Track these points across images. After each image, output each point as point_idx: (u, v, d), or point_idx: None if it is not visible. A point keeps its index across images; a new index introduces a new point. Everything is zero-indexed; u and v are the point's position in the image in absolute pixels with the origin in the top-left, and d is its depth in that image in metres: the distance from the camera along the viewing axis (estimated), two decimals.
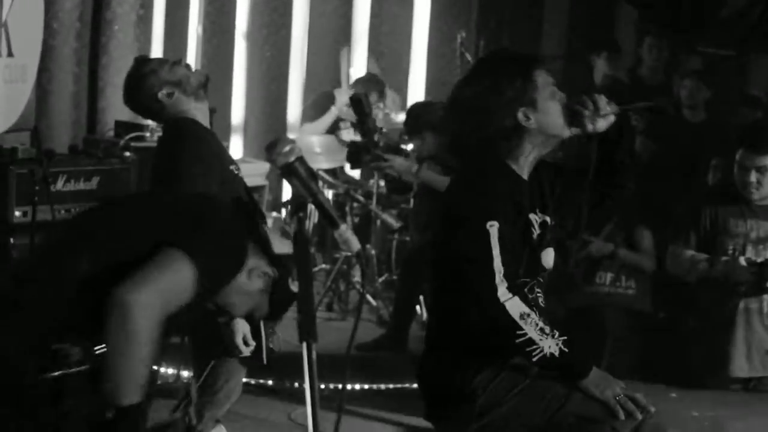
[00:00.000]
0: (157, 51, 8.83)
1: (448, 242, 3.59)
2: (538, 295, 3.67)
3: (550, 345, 3.47)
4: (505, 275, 3.46)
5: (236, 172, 4.63)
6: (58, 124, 7.84)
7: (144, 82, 4.63)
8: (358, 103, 7.14)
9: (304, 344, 2.53)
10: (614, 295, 7.19)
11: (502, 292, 3.45)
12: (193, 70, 4.70)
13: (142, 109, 4.72)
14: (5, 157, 6.06)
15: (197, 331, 4.67)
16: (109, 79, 8.26)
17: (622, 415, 3.48)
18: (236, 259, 3.10)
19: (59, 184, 6.20)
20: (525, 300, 3.51)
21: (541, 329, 3.47)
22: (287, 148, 2.85)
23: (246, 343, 4.44)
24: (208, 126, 4.70)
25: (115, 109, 8.24)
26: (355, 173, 9.17)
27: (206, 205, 3.24)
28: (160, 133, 7.06)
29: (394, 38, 9.91)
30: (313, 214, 2.87)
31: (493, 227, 3.45)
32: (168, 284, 2.93)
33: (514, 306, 3.46)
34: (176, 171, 4.37)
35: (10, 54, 6.72)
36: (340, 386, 5.91)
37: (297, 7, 9.61)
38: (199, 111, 4.64)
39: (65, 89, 7.90)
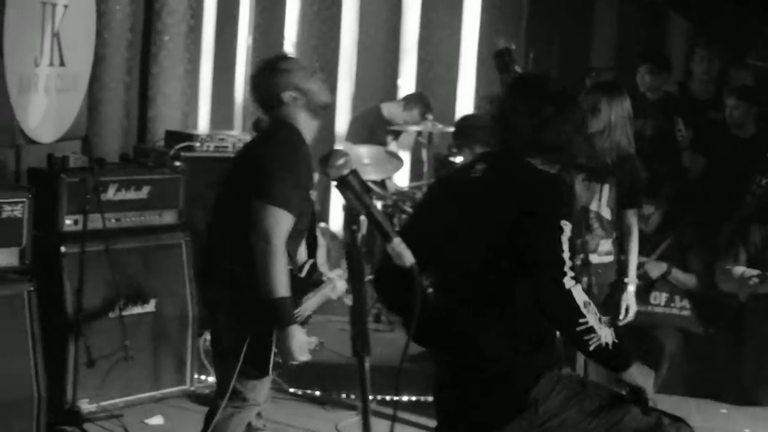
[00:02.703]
0: (206, 61, 8.88)
1: (519, 235, 3.64)
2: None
3: (606, 335, 3.58)
4: (571, 268, 3.58)
5: (312, 192, 4.80)
6: (108, 133, 7.89)
7: (276, 77, 4.73)
8: (501, 55, 6.94)
9: (357, 357, 2.52)
10: (669, 315, 7.15)
11: (569, 278, 3.55)
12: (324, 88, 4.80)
13: (261, 97, 4.81)
14: (57, 166, 6.08)
15: (220, 343, 4.75)
16: (159, 89, 8.31)
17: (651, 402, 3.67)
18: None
19: (110, 193, 6.23)
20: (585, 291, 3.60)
21: (600, 319, 3.59)
22: (341, 161, 2.84)
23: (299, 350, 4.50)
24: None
25: (166, 118, 8.30)
26: (404, 184, 9.16)
27: None
28: (214, 143, 7.15)
29: (443, 49, 9.90)
30: (361, 225, 2.87)
31: (567, 226, 3.53)
32: None
33: (579, 293, 3.57)
34: (269, 170, 4.53)
35: (62, 63, 6.75)
36: (387, 398, 5.92)
37: (346, 18, 9.62)
38: (307, 126, 4.74)
39: (116, 98, 7.95)
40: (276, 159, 4.57)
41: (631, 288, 5.93)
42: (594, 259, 5.90)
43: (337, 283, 4.61)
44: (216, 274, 4.73)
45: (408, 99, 9.10)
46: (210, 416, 4.75)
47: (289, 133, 4.69)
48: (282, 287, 4.45)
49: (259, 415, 5.40)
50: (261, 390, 4.80)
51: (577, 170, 5.87)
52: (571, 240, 3.59)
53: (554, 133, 3.77)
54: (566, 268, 3.57)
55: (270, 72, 4.78)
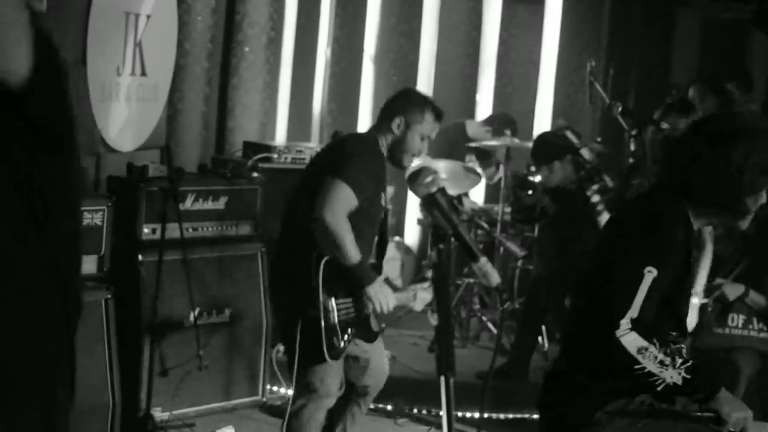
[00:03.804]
0: (286, 73, 8.90)
1: (602, 270, 3.60)
2: (682, 346, 3.72)
3: (672, 375, 3.51)
4: (634, 321, 3.50)
5: (383, 202, 5.12)
6: (187, 143, 7.93)
7: (392, 104, 5.23)
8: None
9: (442, 378, 2.49)
10: (747, 338, 7.04)
11: (622, 326, 3.48)
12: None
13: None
14: (136, 175, 6.12)
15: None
16: (239, 100, 8.35)
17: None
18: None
19: (188, 203, 6.25)
20: (644, 335, 3.50)
21: (661, 362, 3.50)
22: (429, 179, 2.82)
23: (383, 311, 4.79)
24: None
25: (244, 129, 8.34)
26: (479, 200, 9.13)
27: None
28: (292, 155, 7.25)
29: (522, 65, 9.86)
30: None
31: (651, 273, 3.45)
32: None
33: (631, 341, 3.49)
34: (346, 153, 4.97)
35: (143, 73, 6.81)
36: (459, 414, 5.89)
37: (425, 32, 9.61)
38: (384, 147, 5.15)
39: (195, 109, 8.00)
40: (354, 147, 5.01)
41: (695, 301, 5.94)
42: None
43: (419, 293, 4.69)
44: (280, 275, 5.02)
45: (494, 119, 9.08)
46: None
47: (376, 145, 5.10)
48: (354, 252, 4.78)
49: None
50: (330, 379, 4.95)
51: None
52: (653, 289, 3.48)
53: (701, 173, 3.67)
54: (621, 321, 3.49)
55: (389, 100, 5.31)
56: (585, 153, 7.34)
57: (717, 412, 3.61)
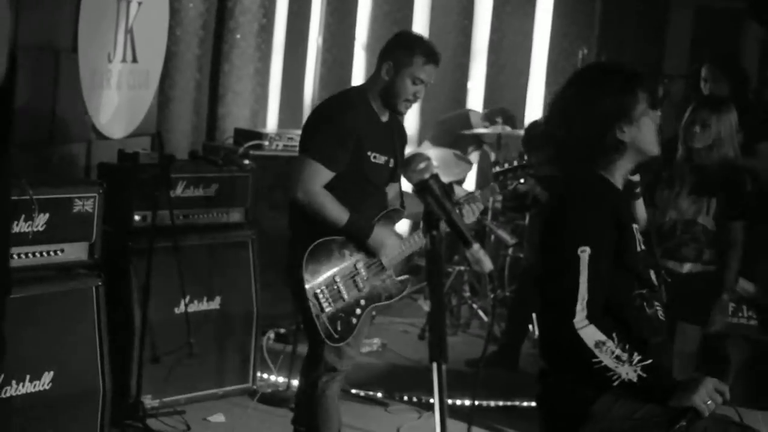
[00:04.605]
0: (277, 60, 8.89)
1: (542, 263, 3.61)
2: (657, 308, 3.71)
3: (627, 372, 3.48)
4: (588, 302, 3.48)
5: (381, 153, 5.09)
6: (178, 130, 7.92)
7: (383, 49, 5.13)
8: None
9: (435, 365, 2.48)
10: (736, 325, 7.06)
11: (579, 319, 3.47)
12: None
13: None
14: (127, 162, 6.11)
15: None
16: (230, 87, 8.34)
17: (706, 413, 3.49)
18: None
19: (179, 190, 6.24)
20: (604, 328, 3.48)
21: (617, 357, 3.48)
22: (422, 165, 2.80)
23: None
24: None
25: (235, 116, 8.32)
26: (470, 187, 9.12)
27: None
28: (283, 142, 7.25)
29: (514, 53, 9.84)
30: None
31: (584, 253, 3.48)
32: None
33: (589, 334, 3.48)
34: (307, 145, 4.98)
35: (134, 60, 6.80)
36: (449, 401, 5.90)
37: (417, 20, 9.60)
38: None
39: (187, 96, 7.98)
40: (314, 119, 5.06)
41: (725, 297, 6.09)
42: (694, 268, 6.07)
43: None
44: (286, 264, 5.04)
45: (492, 112, 9.08)
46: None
47: (334, 101, 5.16)
48: (338, 216, 4.86)
49: None
50: (347, 355, 5.03)
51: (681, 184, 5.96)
52: (594, 266, 3.47)
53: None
54: (576, 306, 3.47)
55: None
56: None
57: (682, 407, 3.52)
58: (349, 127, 4.93)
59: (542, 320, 3.73)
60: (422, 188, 2.74)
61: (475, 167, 9.01)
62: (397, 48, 5.04)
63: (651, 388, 3.51)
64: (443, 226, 2.73)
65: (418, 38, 5.18)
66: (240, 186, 6.57)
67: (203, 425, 6.11)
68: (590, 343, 3.47)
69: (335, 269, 4.94)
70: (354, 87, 5.33)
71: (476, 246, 2.76)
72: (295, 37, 9.04)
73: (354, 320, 4.97)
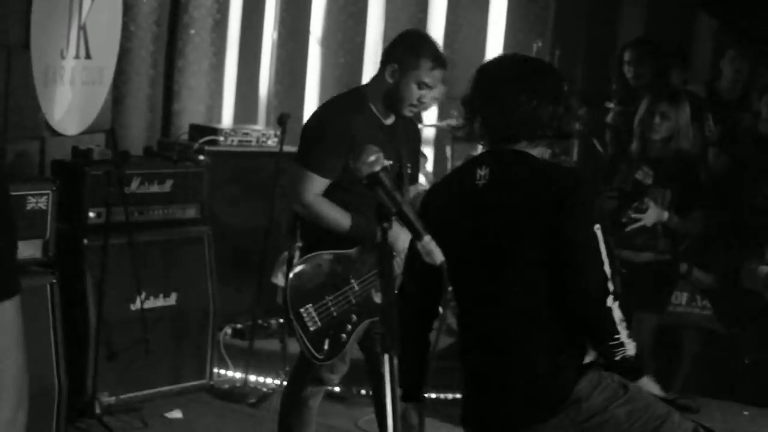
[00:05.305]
0: (232, 55, 8.86)
1: (555, 246, 3.57)
2: None
3: (632, 348, 3.59)
4: (611, 280, 3.55)
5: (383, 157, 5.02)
6: (133, 127, 7.87)
7: (389, 49, 5.03)
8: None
9: (386, 356, 2.49)
10: (691, 315, 7.12)
11: (611, 297, 3.53)
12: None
13: None
14: (81, 158, 6.09)
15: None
16: (185, 83, 8.30)
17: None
18: None
19: (133, 186, 6.22)
20: (621, 306, 3.58)
21: (629, 335, 3.58)
22: (372, 158, 2.81)
23: None
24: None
25: (190, 112, 8.28)
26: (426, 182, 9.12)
27: None
28: (238, 137, 7.21)
29: (468, 46, 9.84)
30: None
31: (599, 230, 3.49)
32: None
33: (617, 311, 3.55)
34: (301, 155, 4.91)
35: (87, 56, 6.75)
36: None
37: (372, 14, 9.58)
38: None
39: (141, 92, 7.94)
40: (308, 128, 4.96)
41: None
42: (649, 257, 6.20)
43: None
44: None
45: (447, 105, 9.08)
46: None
47: (330, 107, 5.09)
48: (340, 222, 4.75)
49: None
50: (334, 370, 5.03)
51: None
52: (606, 243, 3.53)
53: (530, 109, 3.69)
54: (608, 284, 3.53)
55: None
56: None
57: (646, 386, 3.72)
58: (342, 132, 4.75)
59: (542, 303, 3.66)
60: (373, 181, 2.75)
61: (431, 161, 9.01)
62: (403, 49, 4.86)
63: (638, 367, 3.65)
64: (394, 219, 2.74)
65: (426, 39, 4.96)
66: (195, 182, 6.55)
67: (160, 422, 6.09)
68: (617, 319, 3.54)
69: (324, 286, 4.81)
70: (353, 90, 5.15)
71: (427, 238, 2.77)
72: (250, 32, 9.01)
73: (344, 337, 4.85)
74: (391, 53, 4.89)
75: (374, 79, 4.97)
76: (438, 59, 4.83)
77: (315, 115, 5.04)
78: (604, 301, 3.52)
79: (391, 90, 4.83)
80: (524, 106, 3.65)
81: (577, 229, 3.54)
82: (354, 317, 4.86)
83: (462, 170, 3.97)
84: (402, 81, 4.81)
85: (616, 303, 3.54)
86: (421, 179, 8.77)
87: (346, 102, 4.96)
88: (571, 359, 3.63)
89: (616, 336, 3.55)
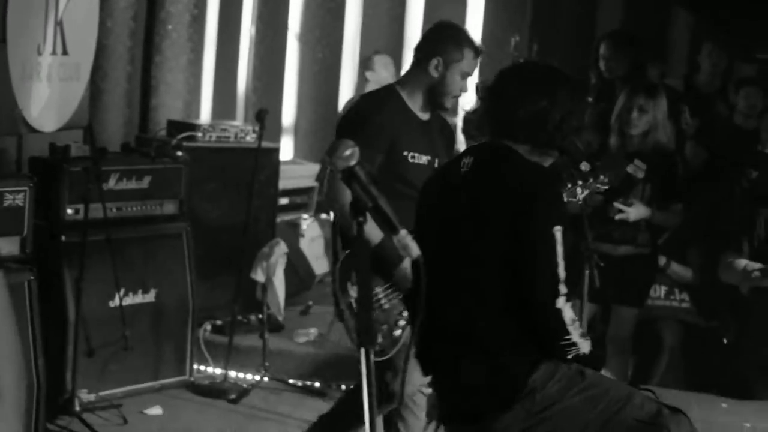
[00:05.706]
0: (210, 51, 8.85)
1: (513, 242, 3.59)
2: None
3: (585, 346, 3.65)
4: (564, 282, 3.52)
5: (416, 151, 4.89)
6: (110, 123, 7.85)
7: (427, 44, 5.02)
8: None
9: (362, 350, 2.50)
10: (669, 308, 7.14)
11: (561, 297, 3.56)
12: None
13: None
14: (58, 155, 6.07)
15: None
16: (162, 78, 8.28)
17: None
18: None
19: (111, 183, 6.21)
20: (573, 306, 3.64)
21: (582, 333, 3.64)
22: (348, 152, 2.81)
23: None
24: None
25: (168, 108, 8.26)
26: None
27: None
28: (216, 133, 7.17)
29: None
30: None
31: (558, 232, 3.51)
32: None
33: (568, 312, 3.59)
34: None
35: (64, 52, 6.72)
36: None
37: (350, 9, 9.59)
38: None
39: (118, 88, 7.91)
40: (339, 129, 4.89)
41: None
42: (628, 251, 6.21)
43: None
44: None
45: None
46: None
47: (361, 104, 5.04)
48: (372, 232, 4.41)
49: None
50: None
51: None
52: (563, 245, 3.56)
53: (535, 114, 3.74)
54: (560, 286, 3.56)
55: None
56: None
57: None
58: (376, 130, 4.71)
59: (499, 300, 3.70)
60: (349, 175, 2.76)
61: None
62: (446, 43, 4.86)
63: (591, 363, 3.72)
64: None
65: (463, 30, 5.01)
66: (173, 178, 6.54)
67: (140, 418, 6.08)
68: (567, 320, 3.58)
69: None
70: (385, 86, 5.12)
71: (403, 232, 2.78)
72: (228, 27, 9.00)
73: (397, 332, 4.69)
74: (431, 48, 4.89)
75: (410, 76, 4.97)
76: (477, 48, 4.90)
77: (347, 113, 5.04)
78: (554, 303, 3.56)
79: (435, 84, 4.85)
80: (531, 106, 3.69)
81: (535, 230, 3.59)
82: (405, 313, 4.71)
83: (454, 160, 4.04)
84: (447, 74, 4.84)
85: (568, 304, 3.58)
86: None
87: (379, 99, 4.94)
88: (527, 351, 3.66)
89: (567, 336, 3.59)
